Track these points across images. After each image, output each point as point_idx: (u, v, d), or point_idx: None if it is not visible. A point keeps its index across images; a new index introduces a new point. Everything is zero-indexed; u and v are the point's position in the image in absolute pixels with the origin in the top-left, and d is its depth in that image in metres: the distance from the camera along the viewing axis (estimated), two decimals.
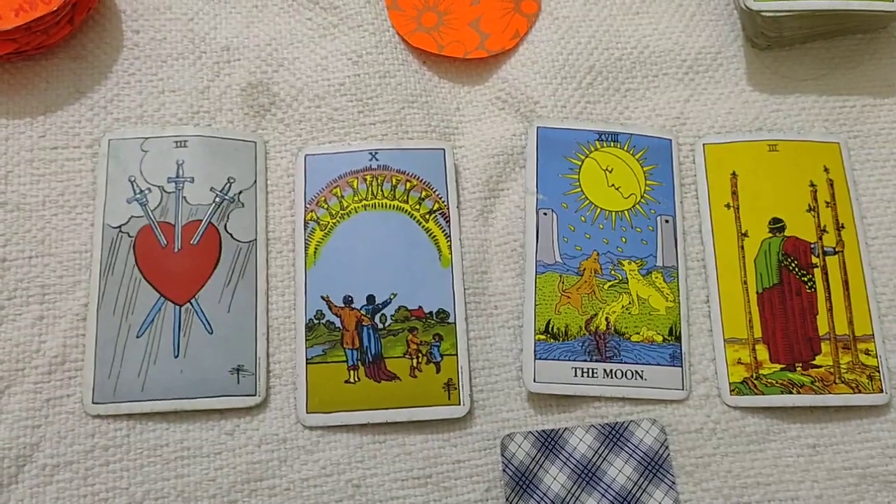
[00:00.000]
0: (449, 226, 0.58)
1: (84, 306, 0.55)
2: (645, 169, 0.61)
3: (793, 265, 0.58)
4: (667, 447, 0.53)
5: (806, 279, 0.57)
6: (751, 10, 0.61)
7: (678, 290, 0.58)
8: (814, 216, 0.59)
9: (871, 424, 0.55)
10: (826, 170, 0.60)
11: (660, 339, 0.56)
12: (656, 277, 0.58)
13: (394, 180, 0.59)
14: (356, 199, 0.59)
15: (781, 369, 0.55)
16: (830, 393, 0.55)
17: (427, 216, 0.59)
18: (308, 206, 0.59)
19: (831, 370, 0.55)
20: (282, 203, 0.59)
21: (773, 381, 0.55)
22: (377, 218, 0.58)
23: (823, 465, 0.54)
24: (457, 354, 0.55)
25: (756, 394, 0.55)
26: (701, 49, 0.65)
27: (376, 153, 0.60)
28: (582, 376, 0.55)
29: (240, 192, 0.59)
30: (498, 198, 0.60)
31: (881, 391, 0.55)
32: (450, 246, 0.58)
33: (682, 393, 0.55)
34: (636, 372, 0.55)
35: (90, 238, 0.57)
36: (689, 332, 0.57)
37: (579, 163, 0.60)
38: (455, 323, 0.56)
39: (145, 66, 0.62)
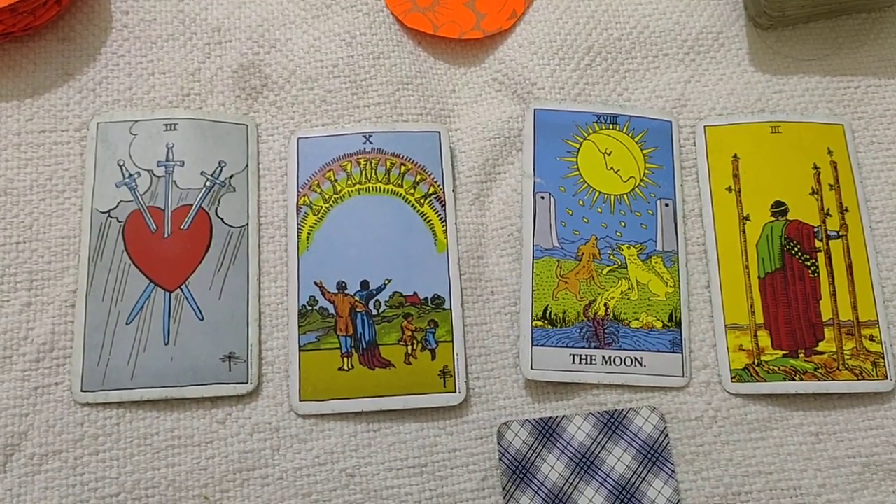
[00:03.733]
0: (444, 210, 0.57)
1: (73, 292, 0.54)
2: (644, 151, 0.59)
3: (795, 249, 0.57)
4: (666, 435, 0.53)
5: (809, 264, 0.56)
6: None
7: (678, 275, 0.57)
8: (817, 199, 0.58)
9: (875, 412, 0.54)
10: (830, 152, 0.59)
11: (659, 325, 0.55)
12: (656, 262, 0.57)
13: (388, 164, 0.58)
14: (350, 182, 0.58)
15: (783, 356, 0.54)
16: (834, 380, 0.54)
17: (422, 200, 0.57)
18: (301, 190, 0.58)
19: (835, 356, 0.54)
20: (274, 187, 0.58)
21: (775, 368, 0.54)
22: (371, 202, 0.57)
23: (826, 454, 0.53)
24: (452, 341, 0.54)
25: (758, 381, 0.54)
26: (702, 29, 0.64)
27: (370, 136, 0.59)
28: (580, 363, 0.54)
29: (231, 176, 0.57)
30: (494, 181, 0.59)
31: (886, 378, 0.54)
32: (445, 230, 0.57)
33: (683, 380, 0.54)
34: (635, 359, 0.54)
35: (79, 223, 0.56)
36: (689, 317, 0.56)
37: (577, 145, 0.59)
38: (451, 309, 0.55)
39: (135, 47, 0.61)
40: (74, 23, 0.61)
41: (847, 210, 0.58)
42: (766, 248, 0.57)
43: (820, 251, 0.57)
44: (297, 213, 0.57)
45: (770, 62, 0.63)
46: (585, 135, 0.60)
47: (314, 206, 0.57)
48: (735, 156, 0.59)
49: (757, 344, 0.55)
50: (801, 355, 0.54)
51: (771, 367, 0.54)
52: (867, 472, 0.52)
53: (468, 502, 0.51)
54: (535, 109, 0.60)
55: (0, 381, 0.52)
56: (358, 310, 0.55)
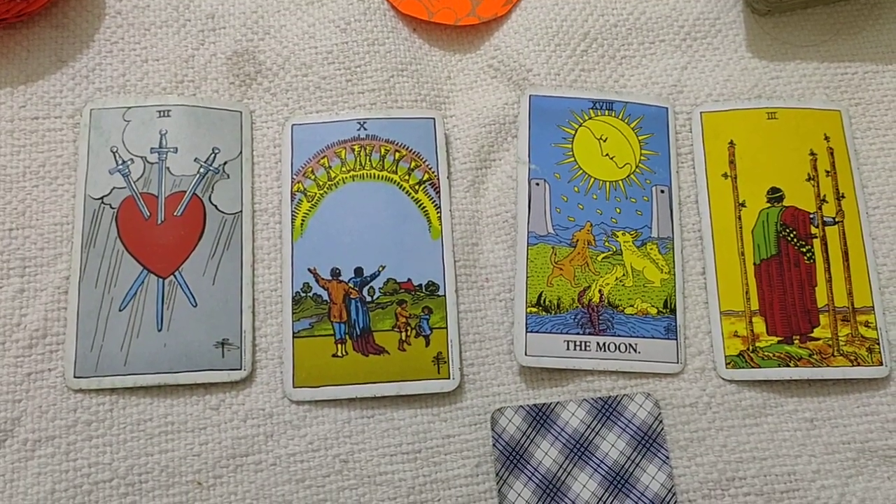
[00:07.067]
0: (439, 197, 0.57)
1: (65, 279, 0.54)
2: (640, 138, 0.59)
3: (791, 236, 0.56)
4: (661, 421, 0.52)
5: (805, 250, 0.56)
6: None
7: (673, 261, 0.56)
8: (813, 185, 0.58)
9: (870, 398, 0.53)
10: (826, 138, 0.59)
11: (654, 311, 0.55)
12: (651, 249, 0.56)
13: (383, 150, 0.58)
14: (344, 169, 0.57)
15: (779, 342, 0.54)
16: (829, 366, 0.53)
17: (417, 187, 0.57)
18: (295, 176, 0.57)
19: (830, 343, 0.54)
20: (268, 174, 0.58)
21: (770, 354, 0.54)
22: (366, 189, 0.57)
23: (821, 440, 0.52)
24: (447, 327, 0.54)
25: (752, 367, 0.53)
26: (699, 14, 0.63)
27: (365, 123, 0.59)
28: (574, 349, 0.54)
29: (225, 163, 0.57)
30: (489, 168, 0.59)
31: (881, 364, 0.53)
32: (440, 217, 0.57)
33: (677, 366, 0.54)
34: (630, 345, 0.54)
35: (72, 210, 0.56)
36: (684, 304, 0.56)
37: (573, 132, 0.59)
38: (445, 295, 0.55)
39: (128, 34, 0.61)
40: (68, 9, 0.61)
41: (843, 196, 0.57)
42: (761, 235, 0.56)
43: (816, 237, 0.56)
44: (292, 200, 0.57)
45: (767, 48, 0.63)
46: (581, 121, 0.59)
47: (308, 193, 0.57)
48: (731, 142, 0.59)
49: (752, 330, 0.54)
50: (796, 341, 0.54)
51: (766, 353, 0.54)
52: (862, 458, 0.52)
53: (462, 488, 0.51)
54: (530, 96, 0.60)
55: None
56: (352, 296, 0.55)
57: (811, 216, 0.57)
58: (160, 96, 0.59)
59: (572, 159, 0.58)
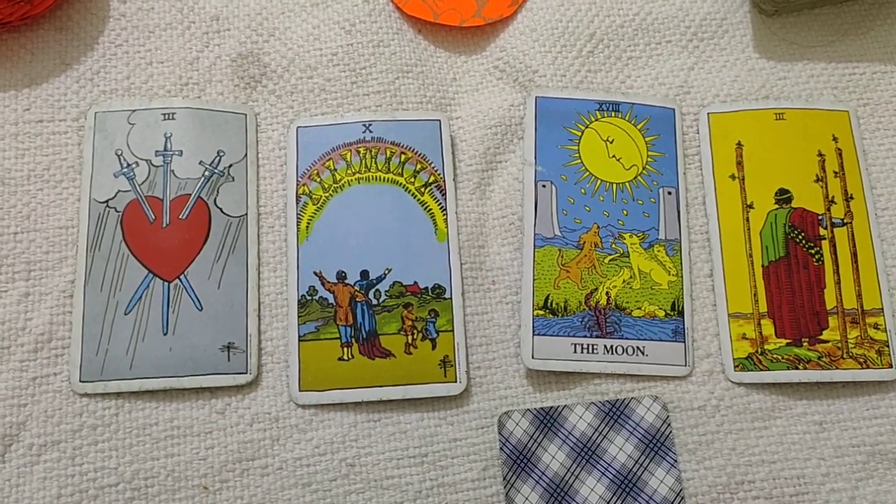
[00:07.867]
0: (445, 199, 0.57)
1: (71, 283, 0.54)
2: (647, 139, 0.59)
3: (800, 237, 0.56)
4: (669, 425, 0.52)
5: (813, 252, 0.56)
6: None
7: (681, 263, 0.56)
8: (822, 187, 0.57)
9: (879, 401, 0.53)
10: (835, 139, 0.59)
11: (662, 314, 0.55)
12: (658, 251, 0.56)
13: (388, 152, 0.58)
14: (349, 172, 0.57)
15: (787, 344, 0.54)
16: (838, 368, 0.53)
17: (422, 189, 0.57)
18: (300, 179, 0.57)
19: (839, 345, 0.54)
20: (273, 177, 0.58)
21: (779, 357, 0.53)
22: (371, 191, 0.57)
23: (830, 443, 0.52)
24: (453, 331, 0.54)
25: (761, 370, 0.53)
26: (706, 15, 0.63)
27: (370, 125, 0.58)
28: (582, 352, 0.54)
29: (230, 166, 0.57)
30: (495, 170, 0.59)
31: (890, 366, 0.53)
32: (446, 219, 0.56)
33: (685, 369, 0.54)
34: (637, 348, 0.54)
35: (76, 213, 0.56)
36: (692, 306, 0.55)
37: (579, 133, 0.59)
38: (451, 298, 0.55)
39: (132, 36, 0.61)
40: (72, 12, 0.61)
41: (852, 197, 0.57)
42: (769, 236, 0.56)
43: (824, 239, 0.56)
44: (297, 203, 0.57)
45: (774, 49, 0.62)
46: (587, 122, 0.59)
47: (314, 196, 0.57)
48: (739, 143, 0.59)
49: (760, 332, 0.54)
50: (805, 344, 0.54)
51: (774, 355, 0.53)
52: (872, 461, 0.52)
53: (469, 492, 0.51)
54: (536, 97, 0.59)
55: None
56: (358, 299, 0.54)
57: (820, 217, 0.56)
58: (165, 99, 0.58)
59: (579, 161, 0.58)
